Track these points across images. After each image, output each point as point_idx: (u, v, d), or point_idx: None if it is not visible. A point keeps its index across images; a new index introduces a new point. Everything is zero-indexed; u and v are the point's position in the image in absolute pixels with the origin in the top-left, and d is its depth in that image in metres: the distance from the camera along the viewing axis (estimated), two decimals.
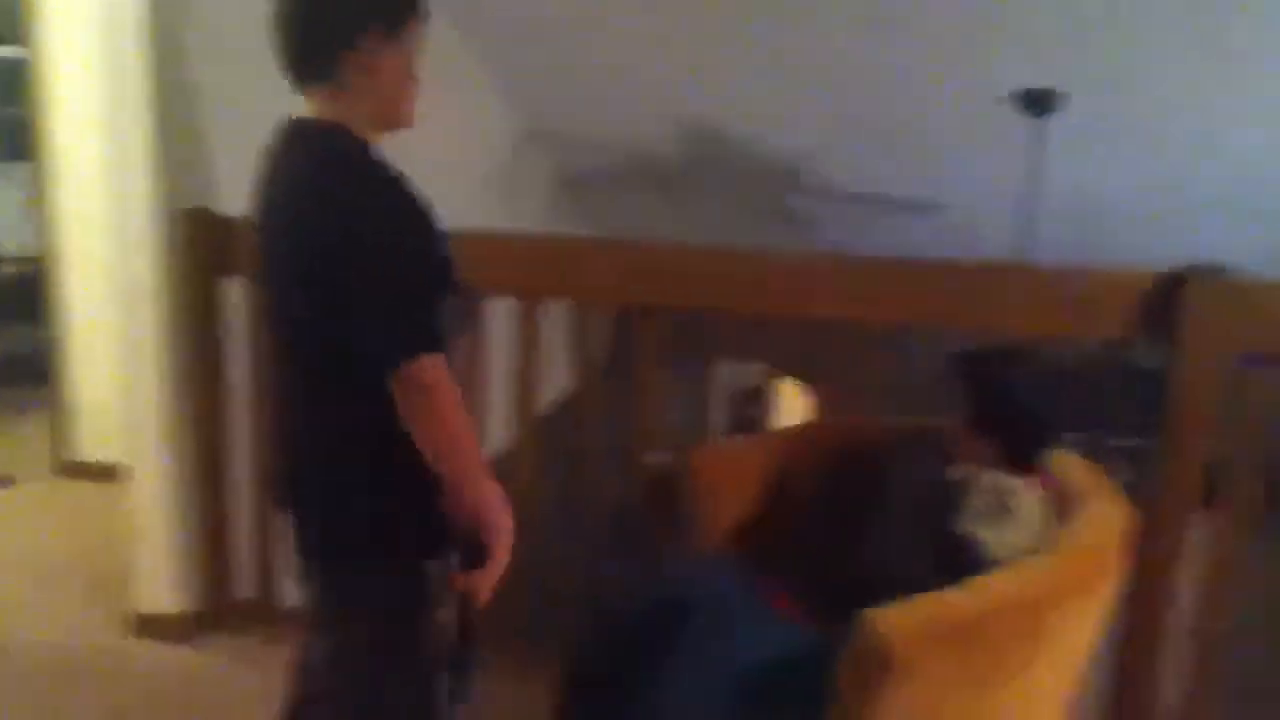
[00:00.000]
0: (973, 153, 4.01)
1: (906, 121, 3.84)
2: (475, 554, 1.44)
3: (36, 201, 3.83)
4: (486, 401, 2.42)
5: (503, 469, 2.56)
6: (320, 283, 1.42)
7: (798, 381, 3.91)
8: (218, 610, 2.67)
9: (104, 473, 3.67)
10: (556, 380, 2.90)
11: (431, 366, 1.38)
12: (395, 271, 1.40)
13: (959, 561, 1.64)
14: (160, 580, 2.60)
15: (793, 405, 2.60)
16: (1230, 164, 3.83)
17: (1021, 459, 1.86)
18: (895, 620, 1.49)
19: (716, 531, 2.13)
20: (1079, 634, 1.70)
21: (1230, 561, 2.06)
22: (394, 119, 1.53)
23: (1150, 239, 4.32)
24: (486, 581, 1.46)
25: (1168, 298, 1.95)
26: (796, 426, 2.36)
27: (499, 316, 2.38)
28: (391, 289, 1.40)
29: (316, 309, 1.45)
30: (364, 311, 1.40)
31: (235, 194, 2.48)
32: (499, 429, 2.57)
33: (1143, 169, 3.95)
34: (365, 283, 1.40)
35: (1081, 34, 3.09)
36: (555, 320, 2.47)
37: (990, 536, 1.70)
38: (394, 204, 1.43)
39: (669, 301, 2.33)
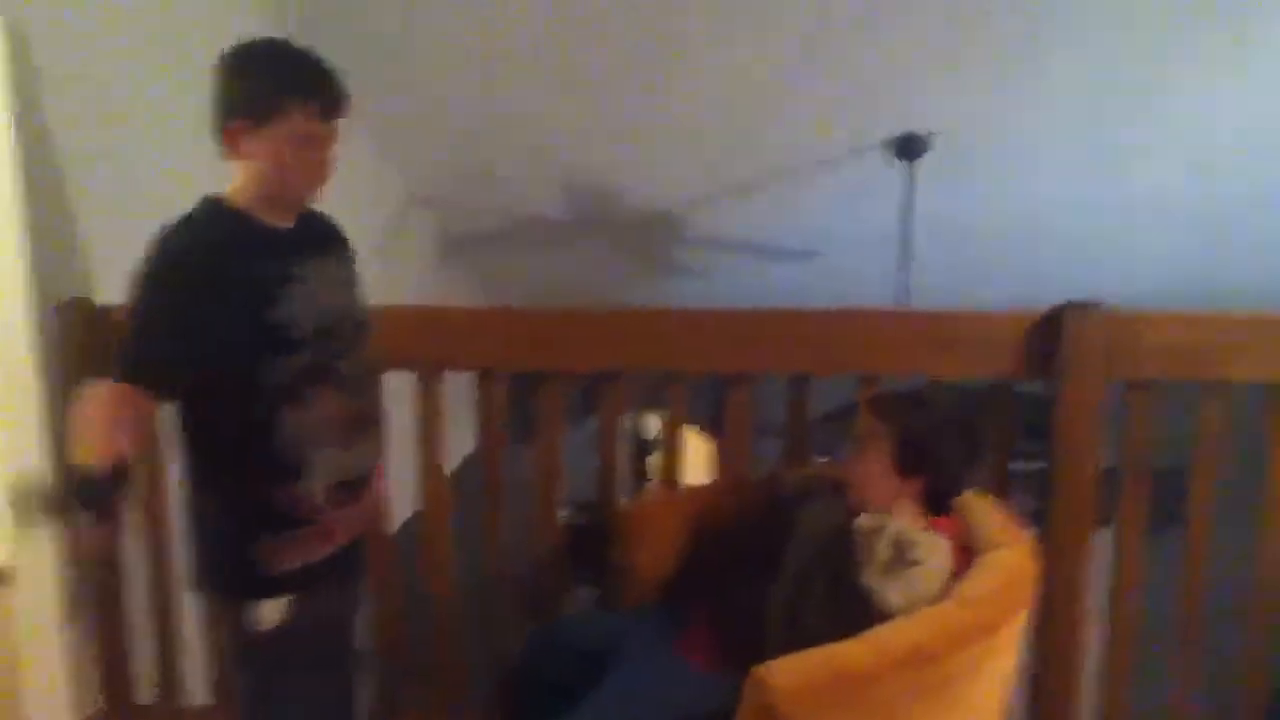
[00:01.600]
0: (849, 199, 4.17)
1: (782, 171, 3.98)
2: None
3: None
4: (392, 469, 2.41)
5: (412, 533, 2.57)
6: None
7: (698, 430, 3.97)
8: (118, 717, 2.55)
9: None
10: (461, 443, 2.90)
11: (119, 389, 1.57)
12: (140, 306, 1.59)
13: (860, 614, 1.66)
14: (54, 690, 2.48)
15: (695, 453, 2.64)
16: (1095, 208, 4.07)
17: (940, 502, 1.89)
18: (783, 674, 1.49)
19: (635, 584, 2.15)
20: (987, 681, 1.70)
21: (1131, 576, 2.20)
22: (280, 196, 1.71)
23: (1017, 279, 4.59)
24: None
25: (1048, 334, 2.08)
26: (714, 478, 2.38)
27: (402, 387, 2.38)
28: (131, 318, 1.60)
29: None
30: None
31: (113, 284, 2.47)
32: (407, 495, 2.56)
33: (1008, 213, 4.17)
34: (129, 316, 1.61)
35: (950, 81, 3.26)
36: (457, 384, 2.48)
37: (893, 588, 1.70)
38: (183, 252, 1.61)
39: (566, 366, 2.39)
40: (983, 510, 1.95)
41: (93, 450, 1.55)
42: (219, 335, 1.60)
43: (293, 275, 1.68)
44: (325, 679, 1.87)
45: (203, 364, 1.62)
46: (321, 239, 1.81)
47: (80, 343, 2.41)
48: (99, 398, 1.58)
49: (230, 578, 1.76)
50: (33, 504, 2.23)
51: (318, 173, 1.70)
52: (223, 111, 1.64)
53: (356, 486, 1.81)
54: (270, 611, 1.74)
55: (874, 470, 1.88)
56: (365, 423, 1.83)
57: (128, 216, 2.52)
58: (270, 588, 1.73)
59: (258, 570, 1.71)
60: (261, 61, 1.65)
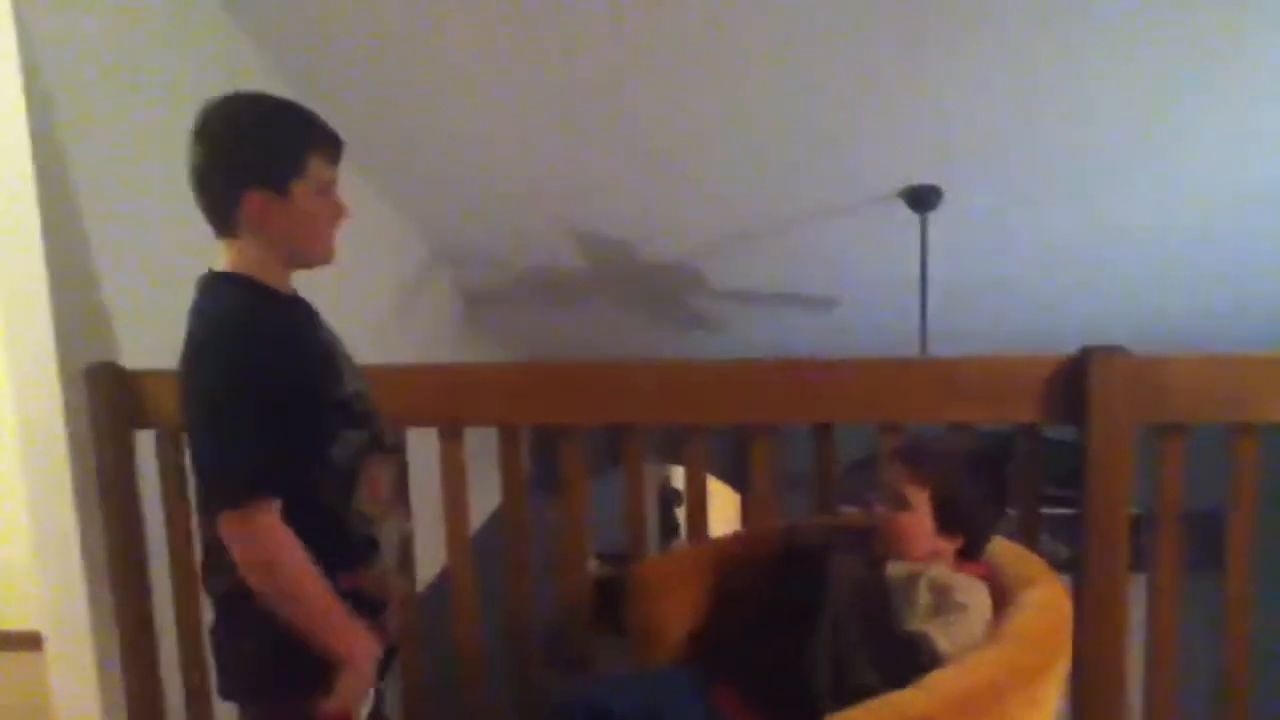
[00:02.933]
0: (864, 249, 4.18)
1: (800, 220, 3.99)
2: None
3: None
4: (417, 527, 2.42)
5: (439, 590, 2.57)
6: (186, 424, 1.51)
7: (723, 481, 3.96)
8: None
9: (17, 641, 3.52)
10: (487, 496, 2.90)
11: (252, 515, 1.41)
12: (230, 416, 1.44)
13: (909, 662, 1.64)
14: None
15: (721, 505, 2.64)
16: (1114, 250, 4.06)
17: (976, 553, 1.88)
18: None
19: (664, 639, 2.12)
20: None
21: (1167, 621, 2.16)
22: (303, 258, 1.60)
23: (1036, 325, 4.58)
24: (335, 713, 1.49)
25: (1073, 380, 2.07)
26: (741, 531, 2.36)
27: (424, 444, 2.39)
28: (222, 433, 1.44)
29: (191, 452, 1.53)
30: (197, 454, 1.47)
31: (139, 348, 2.51)
32: (432, 552, 2.56)
33: (1023, 261, 4.17)
34: (202, 426, 1.47)
35: (961, 131, 3.27)
36: (480, 439, 2.49)
37: (941, 633, 1.68)
38: (252, 351, 1.47)
39: (589, 420, 2.38)
40: (1004, 549, 1.94)
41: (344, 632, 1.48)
42: (307, 419, 1.50)
43: (334, 345, 1.61)
44: None
45: (299, 455, 1.49)
46: (309, 304, 1.68)
47: (108, 406, 2.43)
48: (280, 552, 1.43)
49: (311, 680, 1.53)
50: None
51: (337, 218, 1.60)
52: (235, 183, 1.50)
53: (408, 553, 1.74)
54: (360, 712, 1.59)
55: (913, 527, 1.86)
56: (405, 486, 1.77)
57: (153, 282, 2.59)
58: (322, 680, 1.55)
59: (307, 663, 1.51)
60: (266, 121, 1.54)
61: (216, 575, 1.60)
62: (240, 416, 1.44)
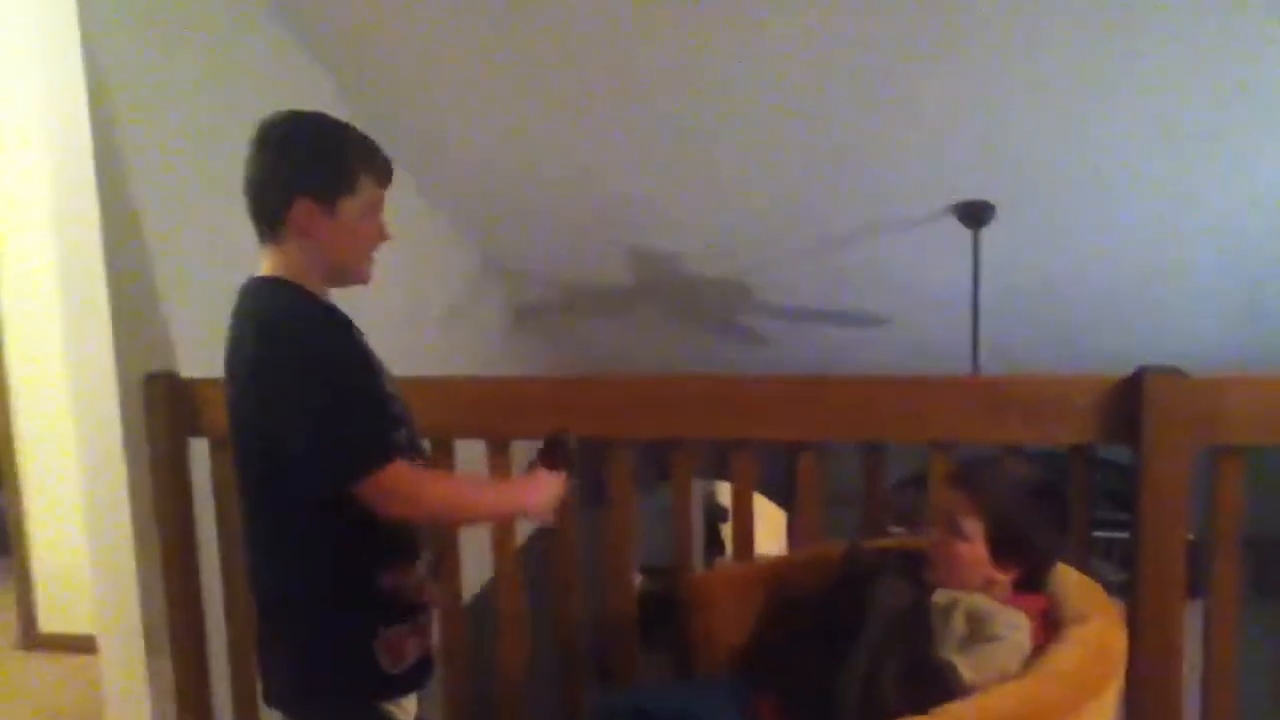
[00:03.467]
0: (916, 265, 4.14)
1: (848, 235, 3.97)
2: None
3: None
4: (464, 540, 2.43)
5: (483, 604, 2.58)
6: (253, 426, 1.53)
7: (769, 497, 3.94)
8: None
9: (71, 644, 3.58)
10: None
11: (383, 476, 1.45)
12: (319, 400, 1.46)
13: (933, 689, 1.60)
14: None
15: (767, 522, 2.62)
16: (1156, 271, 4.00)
17: (1035, 584, 1.83)
18: None
19: (711, 653, 2.12)
20: None
21: (1226, 652, 2.10)
22: (342, 275, 1.64)
23: (1091, 342, 4.50)
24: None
25: (1127, 400, 2.02)
26: (790, 550, 2.35)
27: (471, 456, 2.40)
28: (318, 419, 1.46)
29: (254, 456, 1.56)
30: (304, 436, 1.46)
31: (193, 357, 2.55)
32: (478, 566, 2.57)
33: (1075, 273, 4.11)
34: (290, 415, 1.47)
35: (1015, 146, 3.24)
36: (526, 454, 2.50)
37: (966, 663, 1.64)
38: (323, 335, 1.53)
39: (634, 434, 2.38)
40: (1067, 581, 1.88)
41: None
42: (377, 404, 1.55)
43: (372, 352, 1.63)
44: None
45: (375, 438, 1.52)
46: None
47: (165, 414, 2.48)
48: (424, 490, 1.53)
49: (352, 683, 1.58)
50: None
51: (379, 241, 1.65)
52: (285, 191, 1.55)
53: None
54: (405, 713, 1.63)
55: (968, 557, 1.81)
56: None
57: (210, 292, 2.63)
58: (396, 686, 1.60)
59: (383, 668, 1.57)
60: (324, 134, 1.59)
61: (263, 581, 1.63)
62: (328, 394, 1.47)
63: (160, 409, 2.49)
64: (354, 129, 1.61)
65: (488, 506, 1.66)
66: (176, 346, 2.57)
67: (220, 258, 2.69)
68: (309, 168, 1.56)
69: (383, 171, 1.62)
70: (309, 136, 1.59)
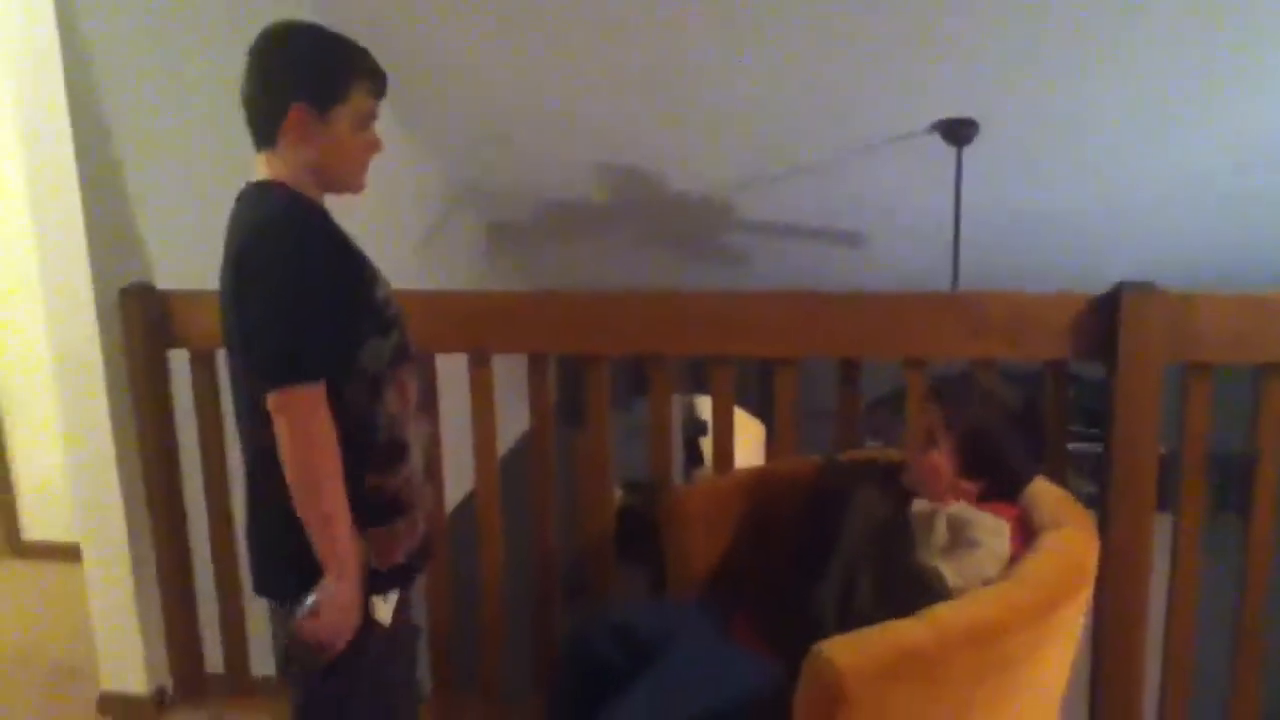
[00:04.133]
0: (895, 184, 4.13)
1: (829, 154, 3.95)
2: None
3: None
4: (445, 450, 2.46)
5: (464, 514, 2.62)
6: (236, 312, 1.55)
7: (748, 412, 3.97)
8: (189, 686, 2.63)
9: (55, 552, 3.62)
10: (514, 426, 2.93)
11: (301, 396, 1.48)
12: (285, 300, 1.49)
13: (917, 595, 1.65)
14: (127, 660, 2.57)
15: (746, 436, 2.65)
16: (1139, 185, 3.99)
17: (1007, 495, 1.88)
18: (846, 651, 1.46)
19: (690, 569, 2.15)
20: (1050, 662, 1.68)
21: (1190, 563, 2.17)
22: (335, 183, 1.66)
23: (1065, 261, 4.52)
24: (304, 632, 1.53)
25: (1104, 317, 2.05)
26: (773, 465, 2.38)
27: (451, 370, 2.42)
28: (279, 317, 1.49)
29: (236, 342, 1.58)
30: (254, 335, 1.52)
31: (170, 268, 2.53)
32: (461, 475, 2.60)
33: (1055, 194, 4.10)
34: (257, 308, 1.51)
35: (998, 61, 3.21)
36: (509, 368, 2.51)
37: (950, 568, 1.69)
38: (305, 241, 1.53)
39: (613, 349, 2.40)
40: (1042, 492, 1.93)
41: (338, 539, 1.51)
42: (347, 320, 1.55)
43: (365, 255, 1.65)
44: (409, 678, 1.80)
45: (337, 355, 1.54)
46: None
47: (143, 326, 2.47)
48: (310, 440, 1.48)
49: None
50: None
51: (371, 151, 1.66)
52: (282, 96, 1.56)
53: (435, 458, 1.78)
54: (384, 611, 1.64)
55: (938, 468, 1.87)
56: (429, 406, 1.80)
57: (186, 203, 2.61)
58: (381, 584, 1.62)
59: (372, 564, 1.59)
60: (321, 42, 1.60)
61: (253, 475, 1.66)
62: (293, 303, 1.49)
63: (137, 321, 2.47)
64: (350, 40, 1.62)
65: (325, 517, 1.50)
66: (154, 259, 2.55)
67: (195, 168, 2.67)
68: (304, 75, 1.58)
69: (377, 82, 1.63)
70: (304, 45, 1.60)
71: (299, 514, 1.51)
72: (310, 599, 1.52)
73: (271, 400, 1.49)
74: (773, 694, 1.65)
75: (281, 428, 1.49)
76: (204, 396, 2.52)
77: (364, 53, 1.63)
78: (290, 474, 1.50)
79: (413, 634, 1.84)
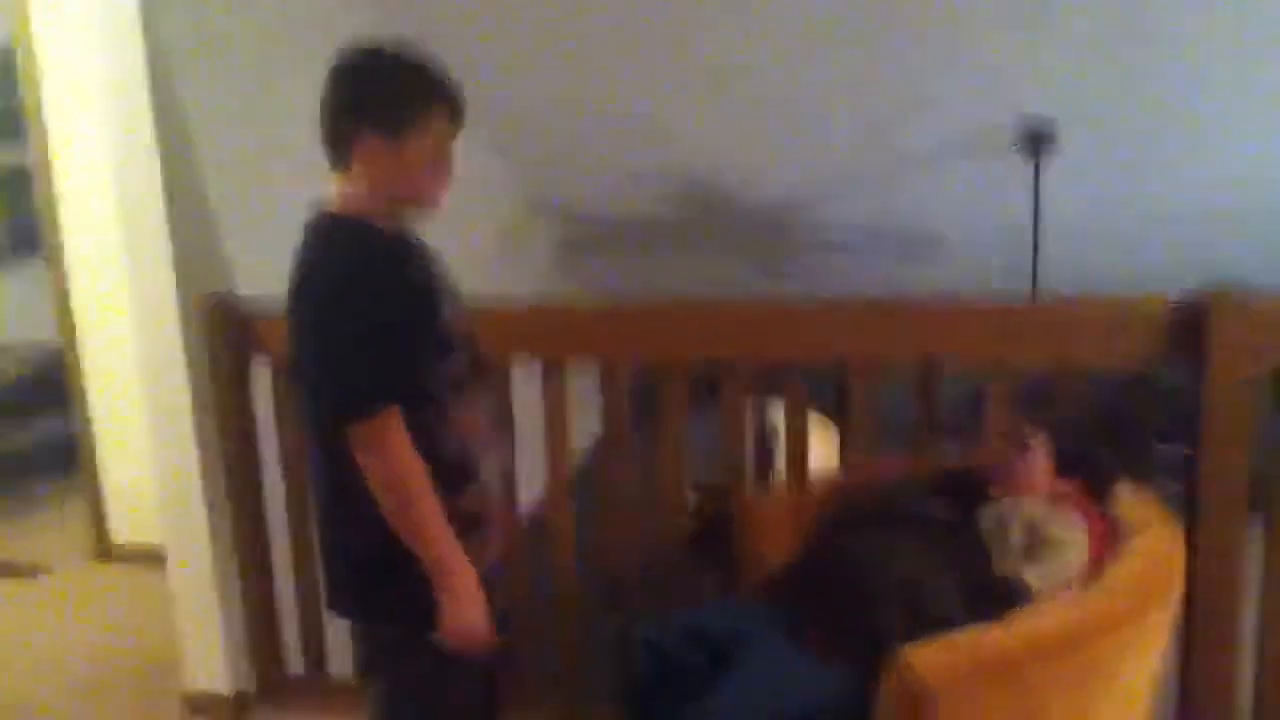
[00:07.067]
0: (973, 190, 4.05)
1: (907, 164, 3.89)
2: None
3: (52, 293, 3.89)
4: (519, 455, 2.47)
5: (536, 522, 2.63)
6: (298, 346, 1.60)
7: (823, 418, 3.93)
8: (270, 687, 2.69)
9: (142, 556, 3.71)
10: (588, 427, 2.94)
11: (379, 426, 1.51)
12: (345, 342, 1.52)
13: (1003, 604, 1.63)
14: (210, 661, 2.63)
15: (820, 442, 2.63)
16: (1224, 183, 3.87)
17: (1097, 497, 1.86)
18: (933, 657, 1.45)
19: (760, 575, 2.14)
20: (1136, 669, 1.65)
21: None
22: (411, 202, 1.67)
23: (1154, 264, 4.38)
24: (451, 639, 1.58)
25: (1192, 321, 1.98)
26: (842, 473, 2.35)
27: (530, 377, 2.43)
28: (341, 360, 1.53)
29: (306, 373, 1.62)
30: (322, 368, 1.56)
31: (253, 276, 2.58)
32: (535, 481, 2.61)
33: (1140, 197, 3.99)
34: (319, 350, 1.56)
35: (1076, 67, 3.14)
36: (583, 375, 2.52)
37: (1032, 572, 1.67)
38: (364, 283, 1.55)
39: (686, 357, 2.39)
40: (1128, 494, 1.90)
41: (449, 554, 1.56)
42: (405, 348, 1.56)
43: (435, 279, 1.66)
44: (490, 684, 1.83)
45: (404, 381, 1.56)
46: (421, 242, 1.73)
47: (226, 334, 2.53)
48: (399, 465, 1.52)
49: (416, 598, 1.59)
50: None
51: (446, 180, 1.66)
52: (354, 121, 1.58)
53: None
54: None
55: (1039, 468, 1.85)
56: (504, 418, 1.82)
57: (270, 214, 2.65)
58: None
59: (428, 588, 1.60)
60: (397, 69, 1.59)
61: (323, 496, 1.71)
62: (355, 337, 1.52)
63: (220, 329, 2.53)
64: (432, 64, 1.62)
65: (423, 528, 1.54)
66: (237, 267, 2.61)
67: (280, 177, 2.71)
68: (378, 100, 1.58)
69: (454, 110, 1.62)
70: (383, 68, 1.60)
71: (403, 537, 1.54)
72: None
73: (352, 436, 1.52)
74: (846, 700, 1.64)
75: (367, 460, 1.52)
76: (284, 405, 2.56)
77: (444, 78, 1.62)
78: (385, 502, 1.53)
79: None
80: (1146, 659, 1.68)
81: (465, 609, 1.58)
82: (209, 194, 2.53)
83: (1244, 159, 3.68)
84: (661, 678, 1.97)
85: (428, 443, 1.57)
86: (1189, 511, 2.05)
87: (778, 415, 4.29)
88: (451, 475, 1.62)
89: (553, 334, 2.44)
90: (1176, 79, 3.18)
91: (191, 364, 2.52)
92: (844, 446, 2.47)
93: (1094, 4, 2.85)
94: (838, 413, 2.49)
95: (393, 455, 1.52)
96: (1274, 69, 3.10)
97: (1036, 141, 3.48)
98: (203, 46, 2.51)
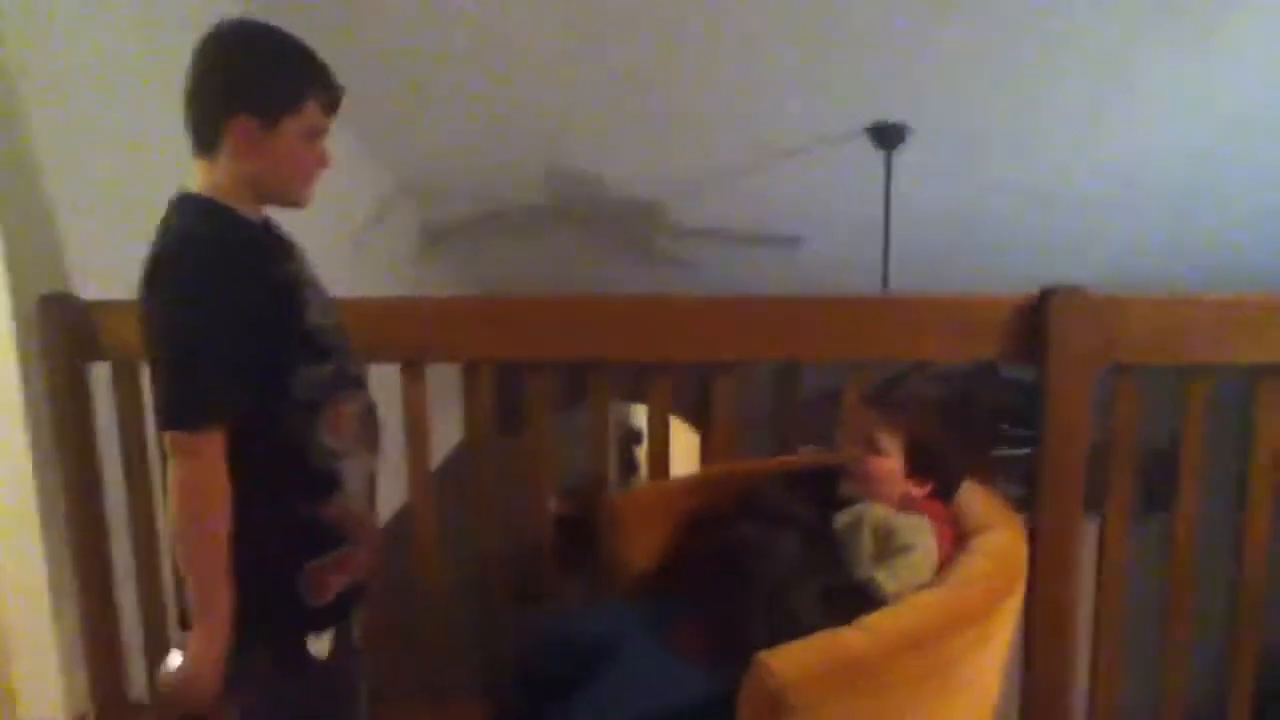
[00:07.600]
0: (829, 188, 4.17)
1: (766, 158, 3.97)
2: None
3: None
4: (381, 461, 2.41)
5: (399, 528, 2.57)
6: (144, 333, 1.49)
7: (684, 421, 3.98)
8: (110, 713, 2.54)
9: None
10: (449, 434, 2.89)
11: (192, 445, 1.43)
12: (189, 337, 1.43)
13: (859, 607, 1.65)
14: (45, 687, 2.47)
15: (681, 444, 2.66)
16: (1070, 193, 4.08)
17: (946, 496, 1.92)
18: (789, 661, 1.47)
19: (627, 575, 2.15)
20: (984, 664, 1.71)
21: (1118, 558, 2.21)
22: (277, 197, 1.58)
23: (1000, 261, 4.60)
24: (171, 682, 1.48)
25: (1033, 319, 2.09)
26: (705, 470, 2.37)
27: (385, 380, 2.37)
28: (182, 355, 1.44)
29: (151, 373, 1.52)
30: (160, 364, 1.47)
31: (92, 279, 2.45)
32: (393, 489, 2.55)
33: (986, 199, 4.18)
34: (162, 340, 1.46)
35: (930, 69, 3.26)
36: (442, 375, 2.47)
37: (886, 577, 1.71)
38: (220, 272, 1.45)
39: (551, 355, 2.38)
40: (971, 495, 1.96)
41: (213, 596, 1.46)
42: (266, 350, 1.48)
43: (303, 276, 1.58)
44: (356, 708, 1.74)
45: (255, 384, 1.47)
46: (286, 235, 1.66)
47: (62, 338, 2.38)
48: (194, 487, 1.42)
49: (272, 614, 1.54)
50: None
51: (319, 168, 1.59)
52: (224, 106, 1.48)
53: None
54: (320, 647, 1.58)
55: (886, 471, 1.89)
56: (376, 420, 1.72)
57: (106, 210, 2.52)
58: (318, 619, 1.58)
59: (306, 600, 1.55)
60: (272, 52, 1.51)
61: None
62: (194, 341, 1.43)
63: (56, 332, 2.39)
64: (305, 46, 1.53)
65: (201, 558, 1.44)
66: (73, 268, 2.46)
67: (120, 174, 2.58)
68: (252, 83, 1.49)
69: (331, 96, 1.55)
70: (256, 49, 1.51)
71: (177, 559, 1.45)
72: (177, 657, 1.47)
73: (167, 442, 1.43)
74: (711, 702, 1.65)
75: (171, 470, 1.43)
76: (127, 411, 2.44)
77: (320, 63, 1.54)
78: (173, 520, 1.44)
79: (356, 663, 1.75)
80: (997, 651, 1.74)
81: (204, 655, 1.46)
82: (44, 189, 2.38)
83: (1087, 167, 3.89)
84: (535, 688, 1.96)
85: (293, 448, 1.52)
86: (1029, 508, 2.16)
87: (639, 419, 4.32)
88: (315, 485, 1.56)
89: (412, 333, 2.38)
90: (1031, 85, 3.33)
91: (24, 367, 2.36)
92: (705, 450, 2.50)
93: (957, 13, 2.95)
94: (697, 416, 2.51)
95: (201, 475, 1.43)
96: (1124, 82, 3.27)
97: (890, 143, 3.60)
98: (41, 30, 2.36)
